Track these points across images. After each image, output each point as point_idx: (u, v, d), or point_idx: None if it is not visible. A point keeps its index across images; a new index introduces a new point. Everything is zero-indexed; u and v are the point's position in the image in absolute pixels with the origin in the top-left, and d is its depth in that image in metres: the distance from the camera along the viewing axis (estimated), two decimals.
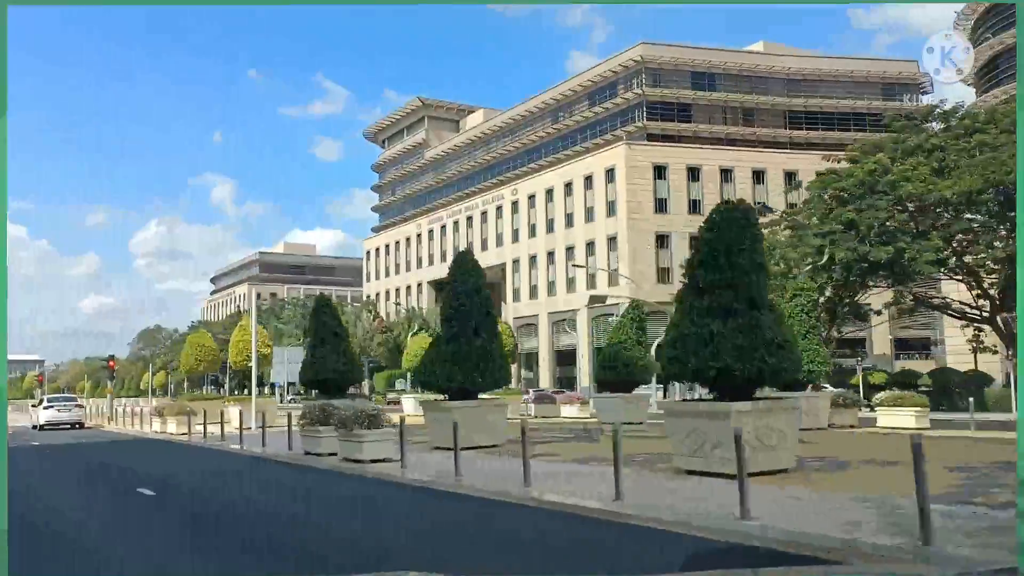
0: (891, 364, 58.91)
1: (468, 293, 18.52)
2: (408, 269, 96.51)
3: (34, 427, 39.36)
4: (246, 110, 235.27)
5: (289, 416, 22.51)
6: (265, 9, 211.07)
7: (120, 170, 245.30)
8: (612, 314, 64.61)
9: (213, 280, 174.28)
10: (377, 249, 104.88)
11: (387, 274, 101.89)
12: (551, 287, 73.45)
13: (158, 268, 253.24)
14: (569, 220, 71.86)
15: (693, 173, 67.14)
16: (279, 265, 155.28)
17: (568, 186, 71.96)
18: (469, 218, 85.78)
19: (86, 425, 40.59)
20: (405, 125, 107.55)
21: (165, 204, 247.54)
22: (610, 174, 67.57)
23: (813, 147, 71.77)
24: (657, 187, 66.49)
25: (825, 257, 33.76)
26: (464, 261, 19.19)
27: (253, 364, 26.71)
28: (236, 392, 50.32)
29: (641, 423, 24.09)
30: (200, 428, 27.72)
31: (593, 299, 39.83)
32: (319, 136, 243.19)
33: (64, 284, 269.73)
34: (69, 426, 39.02)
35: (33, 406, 46.86)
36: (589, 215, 69.48)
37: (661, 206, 66.40)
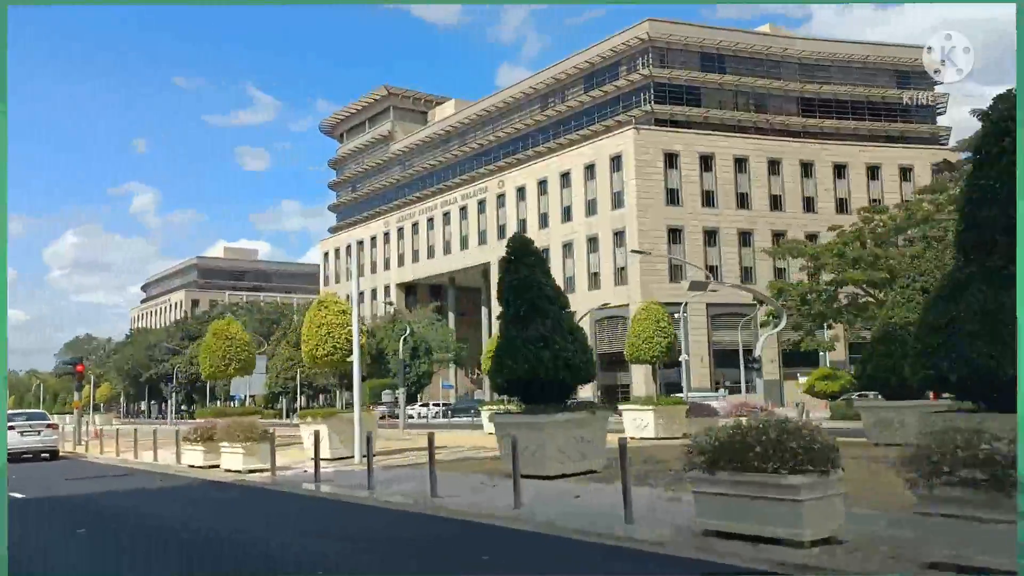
0: None
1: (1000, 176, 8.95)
2: (374, 271, 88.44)
3: None
4: (171, 118, 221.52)
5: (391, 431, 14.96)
6: (192, 12, 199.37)
7: (33, 178, 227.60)
8: (622, 316, 58.36)
9: (144, 288, 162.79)
10: (337, 250, 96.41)
11: (348, 277, 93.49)
12: None
13: (75, 279, 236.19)
14: (567, 213, 65.28)
15: (705, 162, 61.44)
16: (219, 271, 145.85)
17: (565, 176, 65.44)
18: (446, 214, 78.44)
19: (59, 453, 28.41)
20: (367, 116, 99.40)
21: (82, 214, 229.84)
22: (616, 162, 61.28)
23: (827, 136, 67.04)
24: (668, 176, 60.54)
25: None
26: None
27: (355, 359, 16.96)
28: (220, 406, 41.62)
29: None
30: (288, 462, 18.17)
31: (695, 285, 33.12)
32: (247, 146, 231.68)
33: None
34: (32, 456, 26.92)
35: None
36: (591, 208, 63.05)
37: (672, 197, 60.43)
